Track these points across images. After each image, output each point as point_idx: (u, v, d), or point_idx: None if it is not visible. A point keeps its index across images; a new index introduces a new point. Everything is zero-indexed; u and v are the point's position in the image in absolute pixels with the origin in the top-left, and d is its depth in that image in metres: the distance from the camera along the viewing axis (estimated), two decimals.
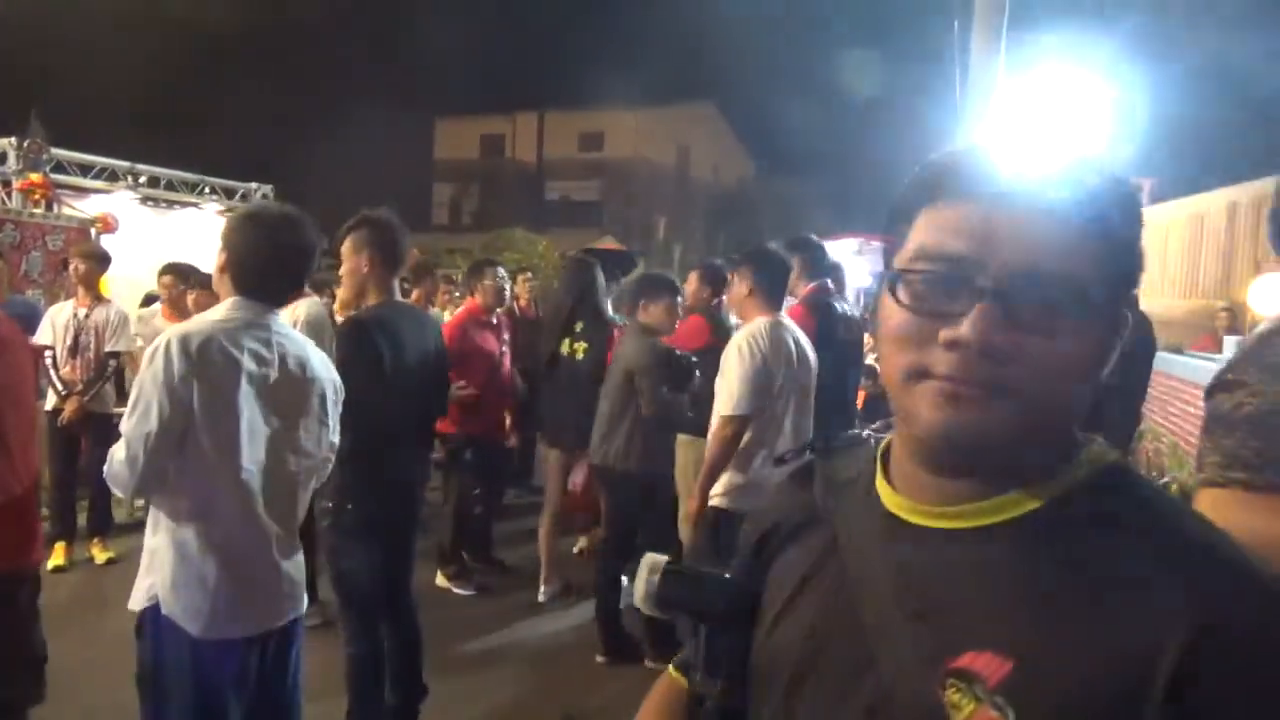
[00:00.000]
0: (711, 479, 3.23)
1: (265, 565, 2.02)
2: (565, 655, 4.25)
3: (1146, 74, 9.40)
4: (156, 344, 1.91)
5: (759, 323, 3.31)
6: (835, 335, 4.23)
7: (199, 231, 8.21)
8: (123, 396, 5.50)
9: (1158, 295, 9.25)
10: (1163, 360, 6.98)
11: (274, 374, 2.02)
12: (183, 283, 5.61)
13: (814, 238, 4.75)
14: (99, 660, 3.96)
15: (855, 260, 11.07)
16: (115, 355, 5.30)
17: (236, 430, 1.94)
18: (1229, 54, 9.65)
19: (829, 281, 4.64)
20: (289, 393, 2.06)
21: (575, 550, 5.66)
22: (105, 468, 1.96)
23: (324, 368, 2.20)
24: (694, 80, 30.11)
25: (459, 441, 4.86)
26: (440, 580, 4.94)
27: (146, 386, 1.89)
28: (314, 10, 27.05)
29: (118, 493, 2.01)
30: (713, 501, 3.25)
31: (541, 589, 4.88)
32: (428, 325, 3.35)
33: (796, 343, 3.36)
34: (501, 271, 5.08)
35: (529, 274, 6.87)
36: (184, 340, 1.90)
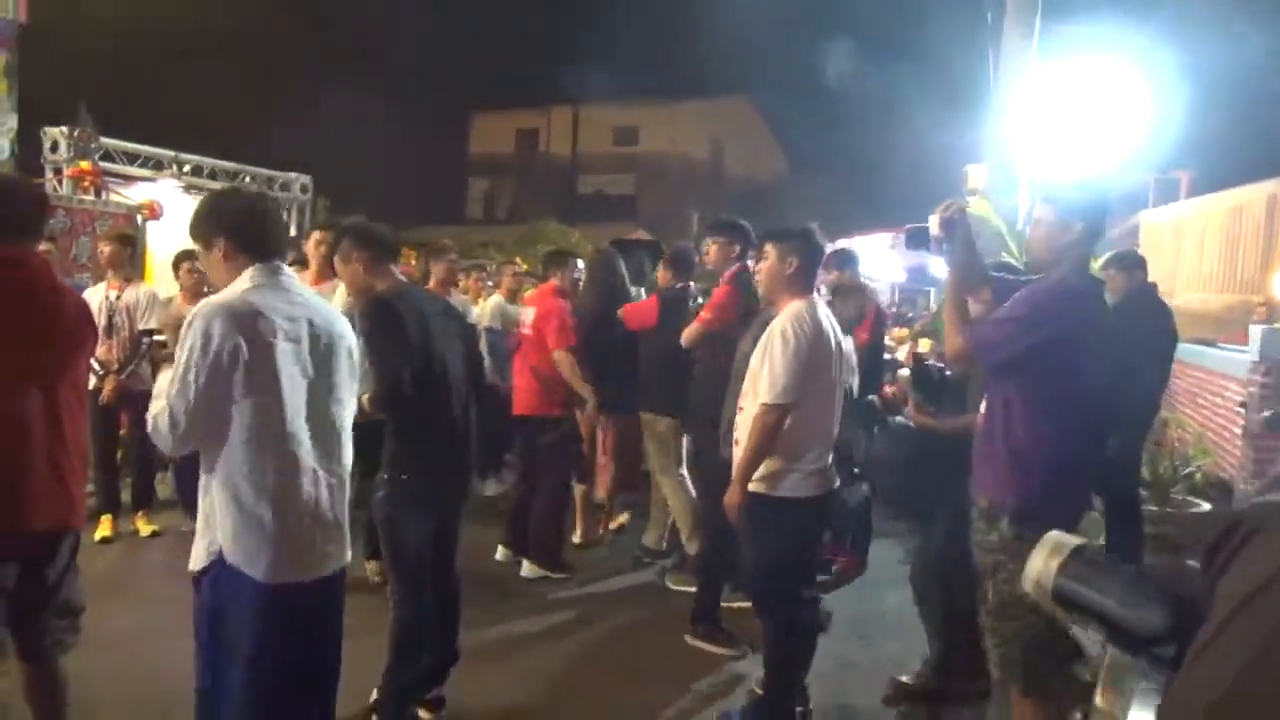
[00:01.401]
0: (753, 467, 3.16)
1: (316, 512, 2.16)
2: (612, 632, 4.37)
3: (1184, 64, 9.28)
4: (195, 313, 2.06)
5: (799, 307, 3.21)
6: (676, 324, 4.56)
7: None
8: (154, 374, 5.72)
9: (1195, 289, 9.14)
10: (1193, 353, 6.93)
11: (304, 330, 2.17)
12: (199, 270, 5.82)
13: (744, 222, 4.93)
14: (149, 622, 4.18)
15: (888, 255, 11.05)
16: (149, 334, 5.50)
17: (278, 387, 2.08)
18: (1269, 44, 9.49)
19: (690, 284, 5.06)
20: (319, 346, 2.19)
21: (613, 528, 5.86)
22: (149, 426, 2.11)
23: (343, 323, 2.34)
24: (728, 75, 30.00)
25: (559, 422, 4.98)
26: (529, 569, 5.00)
27: (187, 354, 2.02)
28: (353, 6, 27.42)
29: (161, 449, 2.14)
30: (753, 488, 3.19)
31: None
32: (444, 303, 3.48)
33: (833, 328, 3.30)
34: (580, 264, 5.38)
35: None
36: (223, 308, 2.05)
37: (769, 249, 3.35)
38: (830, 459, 3.26)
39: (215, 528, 2.08)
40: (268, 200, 2.29)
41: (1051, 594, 0.69)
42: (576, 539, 5.50)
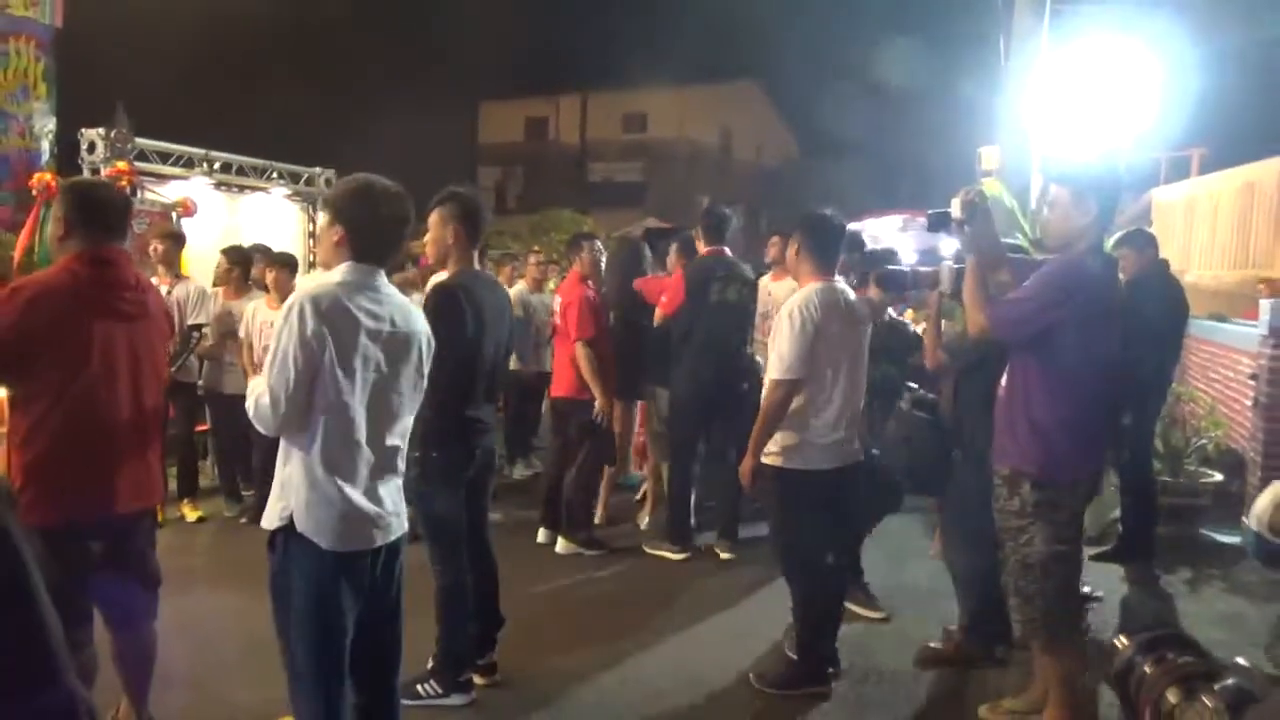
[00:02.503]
0: (764, 438, 3.42)
1: (375, 487, 2.32)
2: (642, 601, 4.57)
3: (1196, 42, 9.31)
4: (291, 303, 2.22)
5: (810, 289, 3.45)
6: (707, 295, 5.00)
7: (268, 213, 8.65)
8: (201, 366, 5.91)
9: (1207, 265, 9.20)
10: (1205, 328, 7.04)
11: (385, 328, 2.32)
12: (237, 265, 6.00)
13: (725, 209, 5.41)
14: (206, 598, 4.40)
15: (899, 238, 11.14)
16: (198, 328, 5.68)
17: (354, 376, 2.24)
18: None
19: (726, 249, 5.26)
20: (395, 344, 2.35)
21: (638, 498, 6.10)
22: (250, 410, 2.27)
23: (421, 323, 2.50)
24: (736, 60, 29.90)
25: (583, 406, 5.12)
26: (564, 546, 5.18)
27: (284, 340, 2.19)
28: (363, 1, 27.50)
29: (262, 430, 2.28)
30: (766, 459, 3.44)
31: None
32: (502, 293, 3.66)
33: (849, 306, 3.49)
34: (599, 244, 5.46)
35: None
36: (315, 300, 2.21)
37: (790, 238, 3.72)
38: (846, 433, 3.46)
39: (290, 495, 2.24)
40: (397, 207, 2.35)
41: (1269, 527, 0.84)
42: (598, 519, 5.68)
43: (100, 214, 2.61)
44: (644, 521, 5.73)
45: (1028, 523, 2.88)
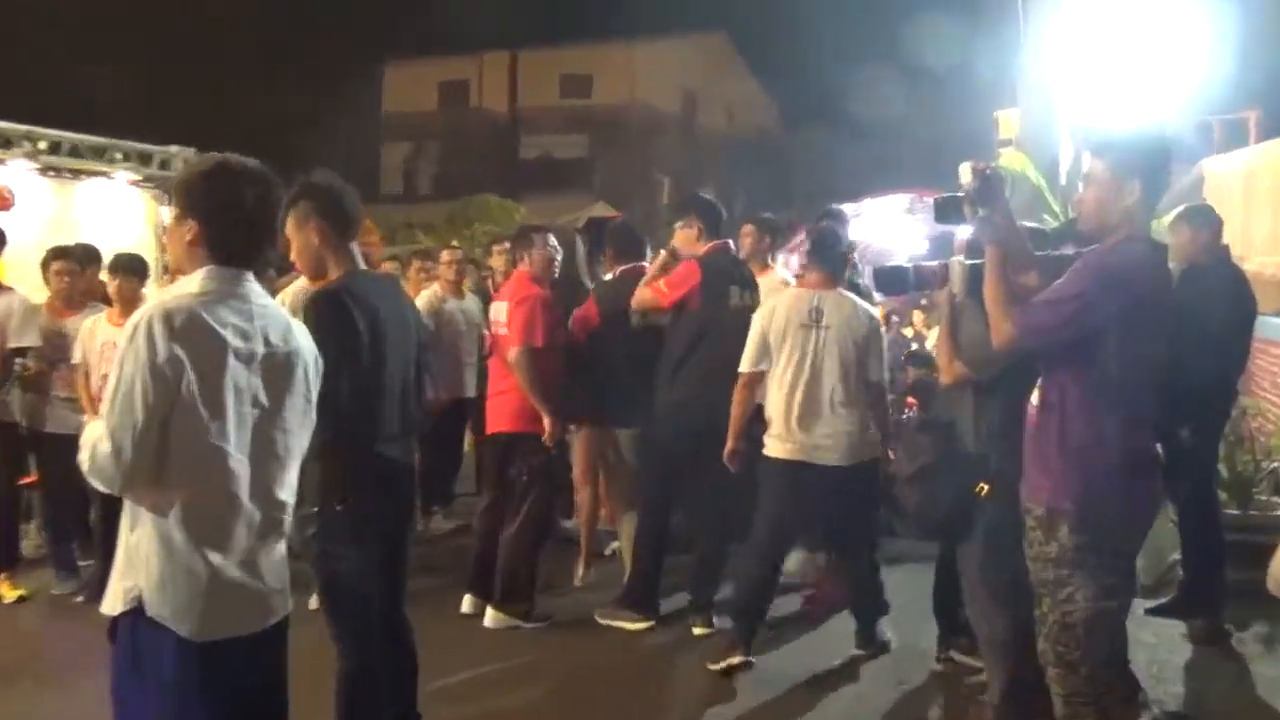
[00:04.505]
0: (737, 424, 4.77)
1: (255, 556, 2.26)
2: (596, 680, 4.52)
3: None
4: (135, 322, 2.14)
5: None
6: (727, 299, 5.19)
7: (109, 203, 8.45)
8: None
9: (1272, 251, 9.41)
10: (1275, 327, 7.16)
11: (259, 349, 2.27)
12: (77, 266, 5.88)
13: (712, 199, 5.62)
14: (29, 703, 4.25)
15: (906, 221, 11.28)
16: (20, 351, 5.53)
17: (224, 412, 2.18)
18: None
19: (730, 242, 5.48)
20: (275, 368, 2.30)
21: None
22: (84, 464, 2.19)
23: (306, 338, 2.45)
24: (700, 6, 30.26)
25: (532, 443, 5.12)
26: (494, 619, 5.13)
27: (128, 369, 2.11)
28: None
29: (101, 488, 2.21)
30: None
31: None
32: (404, 299, 3.63)
33: (807, 309, 4.61)
34: (552, 239, 5.46)
35: (506, 245, 7.17)
36: (167, 316, 2.13)
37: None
38: (806, 436, 4.58)
39: (139, 570, 2.17)
40: (264, 190, 2.31)
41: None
42: (579, 580, 5.75)
43: None
44: (578, 577, 5.78)
45: (1067, 573, 2.90)
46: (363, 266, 3.42)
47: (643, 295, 5.26)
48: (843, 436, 4.60)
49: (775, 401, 4.68)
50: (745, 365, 4.73)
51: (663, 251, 5.44)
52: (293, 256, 3.36)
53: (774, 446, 4.67)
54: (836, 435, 4.59)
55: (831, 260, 4.81)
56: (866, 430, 4.66)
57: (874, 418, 4.73)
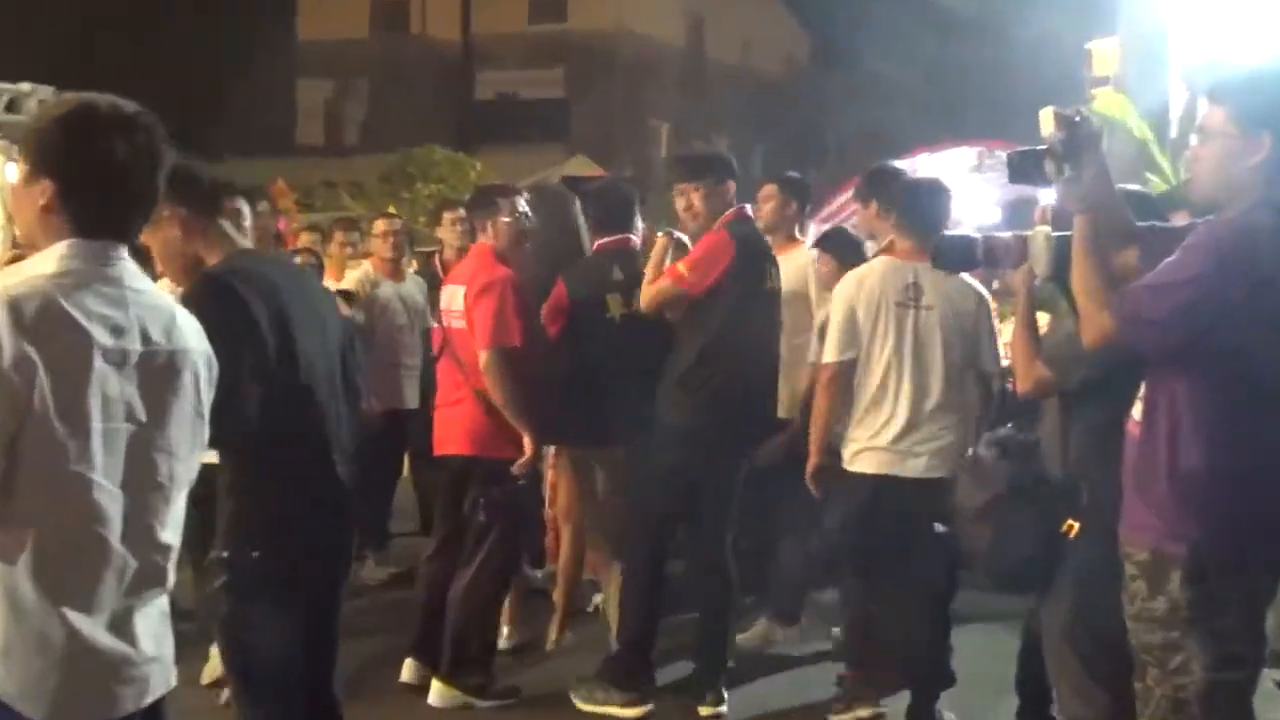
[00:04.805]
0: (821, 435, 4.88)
1: (128, 616, 2.24)
2: None
3: None
4: None
5: None
6: (762, 278, 5.21)
7: None
8: None
9: None
10: None
11: (135, 347, 2.24)
12: None
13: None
14: None
15: (972, 182, 11.32)
16: None
17: (88, 428, 2.15)
18: None
19: (748, 208, 5.52)
20: (154, 373, 2.28)
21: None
22: None
23: (195, 335, 2.43)
24: None
25: (497, 470, 5.12)
26: (440, 695, 5.12)
27: None
28: None
29: None
30: None
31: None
32: (316, 284, 3.63)
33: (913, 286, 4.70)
34: (522, 203, 5.41)
35: (460, 211, 7.18)
36: (14, 307, 2.09)
37: None
38: (901, 442, 4.66)
39: None
40: (140, 139, 2.28)
41: None
42: (553, 644, 5.77)
43: None
44: (551, 640, 5.79)
45: (1179, 636, 2.90)
46: (246, 244, 3.43)
47: (660, 289, 5.13)
48: (945, 442, 4.66)
49: (862, 399, 4.75)
50: (831, 353, 4.78)
51: (660, 236, 5.41)
52: (158, 266, 3.36)
53: (861, 458, 4.73)
54: (937, 440, 4.66)
55: (930, 224, 4.72)
56: (970, 436, 4.67)
57: (981, 418, 4.80)
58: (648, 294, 5.15)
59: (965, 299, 4.77)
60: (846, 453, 4.79)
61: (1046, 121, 3.09)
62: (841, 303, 4.78)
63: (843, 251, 5.64)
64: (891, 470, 4.65)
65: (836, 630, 5.48)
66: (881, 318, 4.63)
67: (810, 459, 4.85)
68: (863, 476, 4.71)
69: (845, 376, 4.77)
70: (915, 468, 4.63)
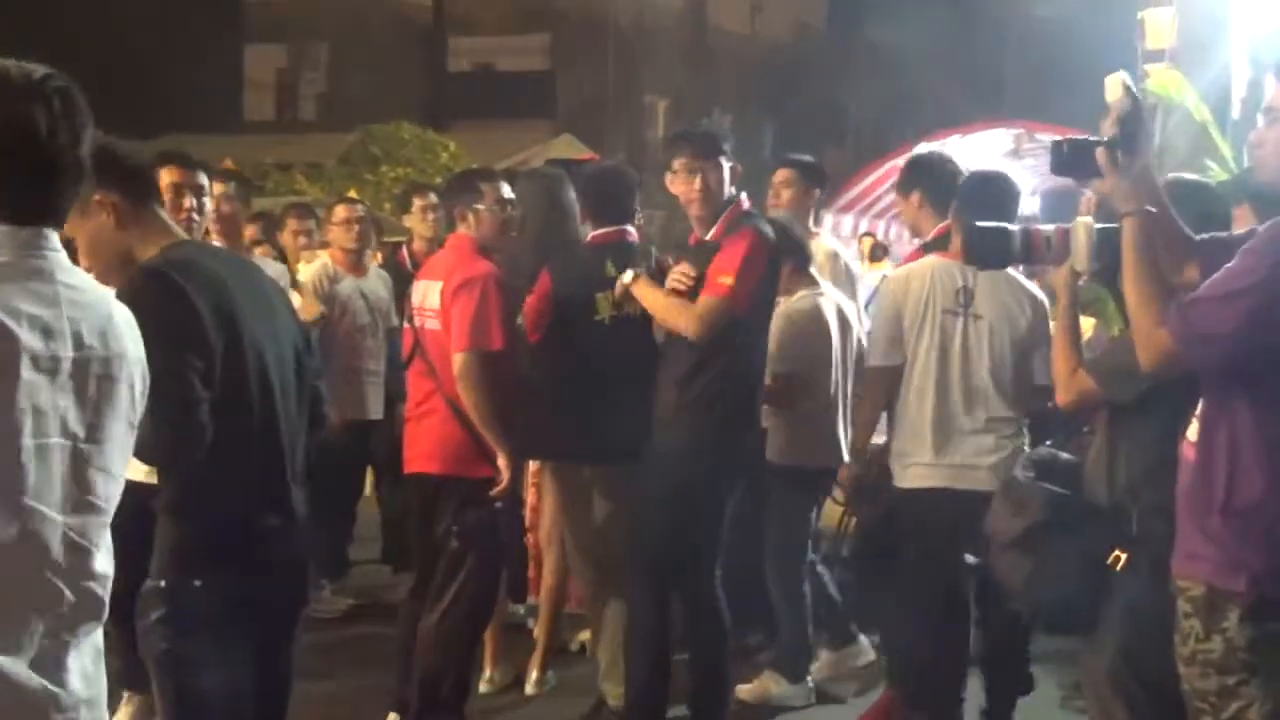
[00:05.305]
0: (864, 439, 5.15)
1: (59, 654, 2.24)
2: None
3: None
4: None
5: None
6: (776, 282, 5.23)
7: None
8: None
9: None
10: None
11: (67, 352, 2.23)
12: None
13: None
14: None
15: (1009, 167, 11.36)
16: None
17: (16, 444, 2.14)
18: None
19: (745, 196, 5.35)
20: (90, 380, 2.27)
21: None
22: None
23: (132, 339, 2.41)
24: None
25: (474, 491, 5.09)
26: None
27: None
28: None
29: None
30: None
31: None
32: (266, 279, 3.65)
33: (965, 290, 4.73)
34: (505, 188, 5.41)
35: (431, 197, 7.18)
36: None
37: None
38: (948, 455, 4.73)
39: None
40: (64, 106, 2.26)
41: None
42: (533, 686, 5.78)
43: None
44: (532, 680, 5.81)
45: (1236, 681, 2.92)
46: (184, 236, 3.43)
47: (712, 308, 4.79)
48: (997, 457, 4.71)
49: (906, 413, 4.85)
50: (876, 358, 4.97)
51: (672, 262, 5.35)
52: (83, 261, 3.28)
53: (912, 473, 4.83)
54: (988, 455, 4.74)
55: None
56: (1023, 453, 4.58)
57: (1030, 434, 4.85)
58: (695, 317, 4.82)
59: (1022, 311, 4.76)
60: (896, 468, 4.89)
61: (1114, 88, 2.98)
62: (888, 304, 4.85)
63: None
64: (942, 483, 4.73)
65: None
66: (928, 323, 4.66)
67: (846, 466, 5.14)
68: (916, 492, 4.79)
69: (887, 382, 4.84)
70: (966, 480, 4.67)
